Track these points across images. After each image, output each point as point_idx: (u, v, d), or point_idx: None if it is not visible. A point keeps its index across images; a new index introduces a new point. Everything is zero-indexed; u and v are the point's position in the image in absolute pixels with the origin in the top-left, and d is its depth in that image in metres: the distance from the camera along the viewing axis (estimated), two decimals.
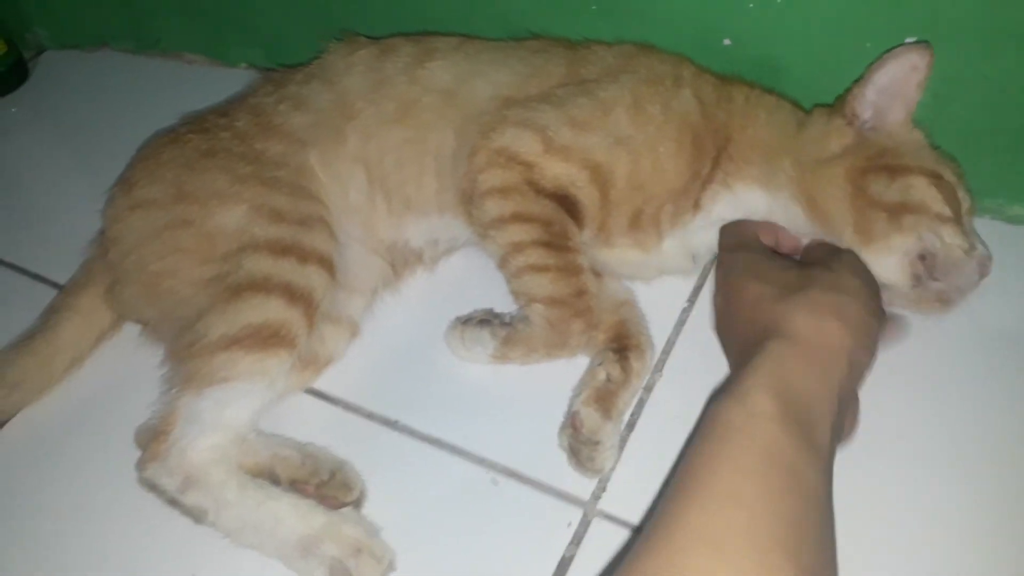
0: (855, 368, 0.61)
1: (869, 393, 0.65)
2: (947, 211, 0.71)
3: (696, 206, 0.78)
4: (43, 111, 1.23)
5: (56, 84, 1.28)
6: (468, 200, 0.79)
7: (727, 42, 0.86)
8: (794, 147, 0.76)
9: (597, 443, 0.70)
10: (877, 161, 0.73)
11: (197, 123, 0.87)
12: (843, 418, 0.60)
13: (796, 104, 0.80)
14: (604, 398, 0.73)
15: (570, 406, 0.73)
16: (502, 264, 0.77)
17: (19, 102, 1.25)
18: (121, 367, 0.83)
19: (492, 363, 0.78)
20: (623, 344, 0.76)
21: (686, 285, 0.84)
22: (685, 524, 0.49)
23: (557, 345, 0.76)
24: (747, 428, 0.53)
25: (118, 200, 0.82)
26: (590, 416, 0.71)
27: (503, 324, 0.78)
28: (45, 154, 1.17)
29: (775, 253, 0.75)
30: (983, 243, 0.72)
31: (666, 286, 0.83)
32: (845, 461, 0.58)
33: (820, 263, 0.69)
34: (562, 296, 0.74)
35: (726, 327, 0.71)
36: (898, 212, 0.70)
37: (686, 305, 0.83)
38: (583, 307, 0.74)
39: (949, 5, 0.75)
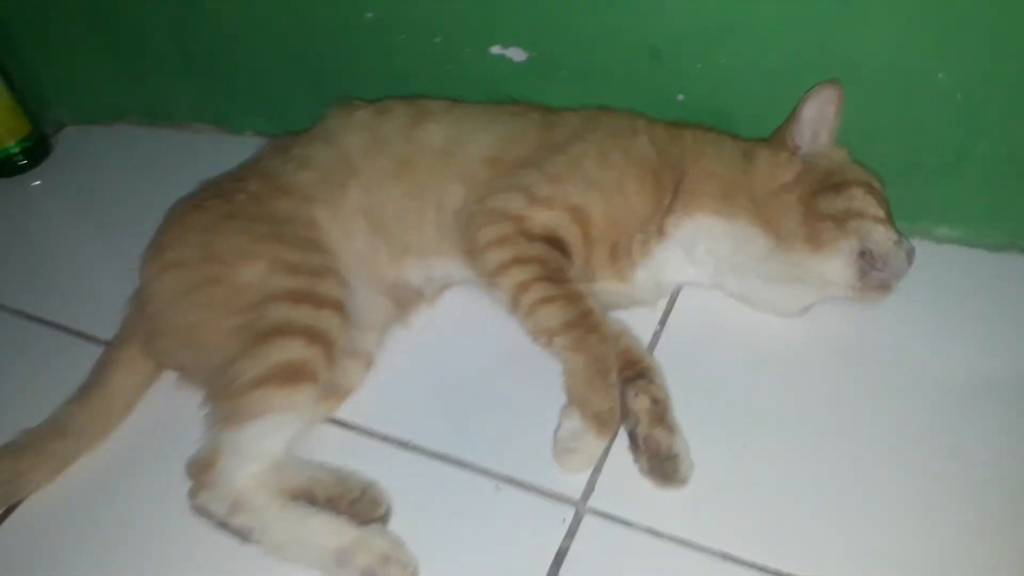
0: None
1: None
2: (881, 213, 0.86)
3: (661, 233, 0.90)
4: (64, 182, 1.34)
5: (76, 157, 1.38)
6: (471, 256, 0.90)
7: (680, 97, 0.99)
8: (746, 181, 0.89)
9: (676, 456, 0.79)
10: (824, 182, 0.87)
11: (215, 189, 0.98)
12: None
13: (736, 137, 0.94)
14: (662, 417, 0.81)
15: (635, 435, 0.81)
16: (514, 306, 0.86)
17: (42, 175, 1.35)
18: (162, 411, 0.93)
19: (598, 437, 0.81)
20: (638, 370, 0.85)
21: (655, 312, 0.96)
22: None
23: (592, 361, 0.82)
24: None
25: (152, 262, 0.91)
26: (663, 436, 0.80)
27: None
28: (68, 222, 1.28)
29: None
30: (906, 238, 0.87)
31: (636, 314, 0.94)
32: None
33: None
34: (573, 319, 0.83)
35: None
36: (843, 219, 0.85)
37: (657, 328, 0.95)
38: (594, 323, 0.83)
39: (868, 59, 0.88)
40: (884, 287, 0.87)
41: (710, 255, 0.91)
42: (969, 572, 0.72)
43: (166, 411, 0.92)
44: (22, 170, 1.35)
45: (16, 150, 1.33)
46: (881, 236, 0.85)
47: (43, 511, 0.85)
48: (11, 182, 1.34)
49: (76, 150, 1.39)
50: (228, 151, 1.09)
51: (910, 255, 0.87)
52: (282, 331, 0.82)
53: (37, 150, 1.36)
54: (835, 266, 0.86)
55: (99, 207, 1.28)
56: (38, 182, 1.34)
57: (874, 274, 0.86)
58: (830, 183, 0.87)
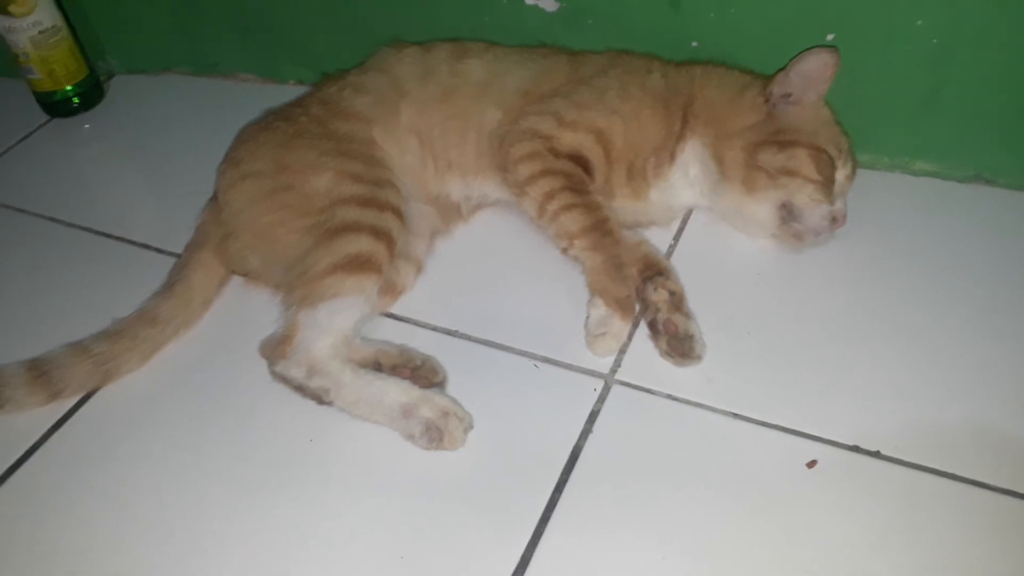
0: None
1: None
2: (816, 175, 0.97)
3: (672, 158, 1.04)
4: (114, 126, 1.44)
5: (126, 103, 1.49)
6: (504, 169, 1.02)
7: (695, 44, 1.12)
8: (726, 114, 1.01)
9: (691, 336, 0.92)
10: (773, 137, 0.99)
11: (279, 114, 1.09)
12: None
13: (748, 71, 1.05)
14: (679, 306, 0.94)
15: (655, 321, 0.93)
16: (540, 213, 0.99)
17: (93, 119, 1.46)
18: (234, 313, 1.05)
19: (623, 320, 0.93)
20: (656, 270, 0.97)
21: (669, 232, 1.10)
22: None
23: (609, 258, 0.94)
24: None
25: (228, 174, 1.03)
26: (680, 320, 0.93)
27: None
28: (117, 159, 1.39)
29: None
30: (844, 203, 0.99)
31: (653, 232, 1.07)
32: None
33: None
34: (591, 223, 0.96)
35: None
36: (777, 175, 0.97)
37: (672, 243, 1.08)
38: (609, 228, 0.96)
39: (857, 8, 1.02)
40: (798, 237, 0.99)
41: (696, 178, 1.05)
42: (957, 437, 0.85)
43: (237, 313, 1.04)
44: (75, 112, 1.46)
45: (72, 92, 1.44)
46: (805, 195, 0.97)
47: (134, 390, 0.97)
48: (65, 123, 1.45)
49: (126, 97, 1.50)
50: (271, 99, 1.18)
51: (837, 217, 0.97)
52: (350, 228, 0.94)
53: (91, 95, 1.47)
54: (760, 210, 1.00)
55: (146, 149, 1.38)
56: (87, 125, 1.45)
57: (793, 224, 0.99)
58: (778, 139, 0.98)
